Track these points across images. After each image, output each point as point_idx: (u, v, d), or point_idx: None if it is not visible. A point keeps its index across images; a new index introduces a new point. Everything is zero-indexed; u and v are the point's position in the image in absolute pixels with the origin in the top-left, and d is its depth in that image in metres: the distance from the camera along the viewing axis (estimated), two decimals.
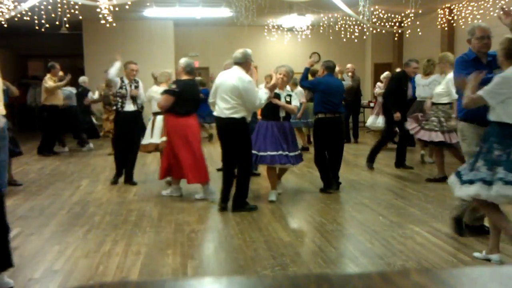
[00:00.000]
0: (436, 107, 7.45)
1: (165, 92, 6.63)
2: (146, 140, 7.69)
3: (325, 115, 6.87)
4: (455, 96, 6.13)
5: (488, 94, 4.01)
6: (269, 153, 6.32)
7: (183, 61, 6.77)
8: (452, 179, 4.35)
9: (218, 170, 7.78)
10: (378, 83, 12.27)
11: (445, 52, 9.46)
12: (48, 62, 12.50)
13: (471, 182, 4.06)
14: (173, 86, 6.58)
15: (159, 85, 7.80)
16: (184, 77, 6.67)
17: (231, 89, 5.85)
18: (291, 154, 6.44)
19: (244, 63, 5.97)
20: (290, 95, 6.57)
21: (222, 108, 5.92)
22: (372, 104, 12.65)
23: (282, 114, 6.47)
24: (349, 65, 12.28)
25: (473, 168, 4.11)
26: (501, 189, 3.86)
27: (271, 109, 6.43)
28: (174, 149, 6.55)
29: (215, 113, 6.09)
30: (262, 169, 7.95)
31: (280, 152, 6.32)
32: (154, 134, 7.63)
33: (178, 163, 6.56)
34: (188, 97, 6.54)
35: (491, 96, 4.00)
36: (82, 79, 12.43)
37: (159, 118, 7.56)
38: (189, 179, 6.56)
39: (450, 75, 6.82)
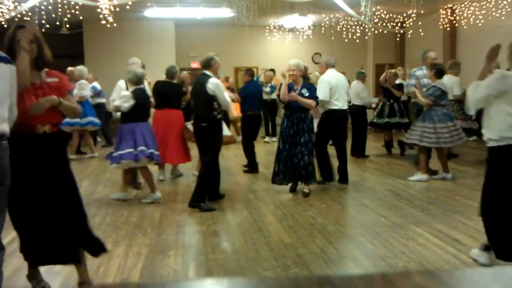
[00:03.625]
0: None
1: None
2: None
3: (253, 112, 8.66)
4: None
5: None
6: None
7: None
8: None
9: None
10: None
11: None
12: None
13: None
14: None
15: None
16: None
17: (346, 87, 7.71)
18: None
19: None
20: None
21: (343, 102, 7.54)
22: (373, 105, 12.51)
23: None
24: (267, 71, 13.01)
25: None
26: None
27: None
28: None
29: (334, 107, 7.42)
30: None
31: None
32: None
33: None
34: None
35: None
36: None
37: None
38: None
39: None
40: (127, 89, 7.13)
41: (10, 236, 4.83)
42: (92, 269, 4.23)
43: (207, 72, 6.30)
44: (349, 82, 16.16)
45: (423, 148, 7.68)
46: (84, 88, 10.28)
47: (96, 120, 10.21)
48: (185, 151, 7.92)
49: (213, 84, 6.12)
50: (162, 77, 8.10)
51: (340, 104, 7.47)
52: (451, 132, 7.44)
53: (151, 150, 6.41)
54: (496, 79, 3.96)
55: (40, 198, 3.53)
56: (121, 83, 7.38)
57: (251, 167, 8.73)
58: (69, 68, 10.67)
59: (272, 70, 13.21)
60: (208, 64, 6.31)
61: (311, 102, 6.69)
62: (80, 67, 10.66)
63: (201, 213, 6.11)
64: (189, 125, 7.56)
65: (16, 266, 4.26)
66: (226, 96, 6.38)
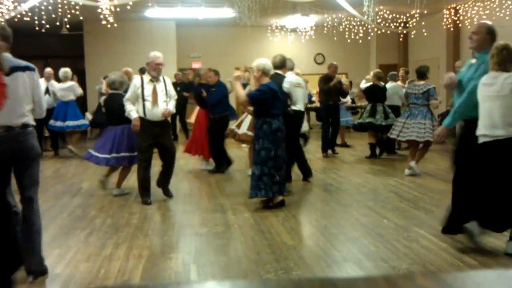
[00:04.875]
0: None
1: None
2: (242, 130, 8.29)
3: (223, 114, 8.62)
4: None
5: None
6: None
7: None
8: None
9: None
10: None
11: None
12: (48, 64, 12.30)
13: None
14: None
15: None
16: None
17: (304, 90, 7.77)
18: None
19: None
20: None
21: (302, 104, 7.45)
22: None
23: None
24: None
25: None
26: None
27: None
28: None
29: (295, 109, 7.23)
30: None
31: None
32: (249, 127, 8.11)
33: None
34: None
35: None
36: None
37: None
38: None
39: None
40: (142, 86, 6.55)
41: None
42: (92, 272, 4.21)
43: (280, 72, 6.88)
44: (352, 83, 16.14)
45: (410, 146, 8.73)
46: (75, 89, 10.57)
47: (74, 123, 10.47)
48: (192, 144, 8.96)
49: (289, 82, 6.93)
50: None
51: (300, 105, 7.41)
52: (404, 126, 8.49)
53: (104, 155, 6.91)
54: None
55: None
56: (136, 80, 6.73)
57: (220, 167, 8.73)
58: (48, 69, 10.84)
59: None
60: (283, 65, 6.96)
61: (241, 94, 6.03)
62: (64, 69, 10.66)
63: (202, 215, 6.08)
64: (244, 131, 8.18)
65: None
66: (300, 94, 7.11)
